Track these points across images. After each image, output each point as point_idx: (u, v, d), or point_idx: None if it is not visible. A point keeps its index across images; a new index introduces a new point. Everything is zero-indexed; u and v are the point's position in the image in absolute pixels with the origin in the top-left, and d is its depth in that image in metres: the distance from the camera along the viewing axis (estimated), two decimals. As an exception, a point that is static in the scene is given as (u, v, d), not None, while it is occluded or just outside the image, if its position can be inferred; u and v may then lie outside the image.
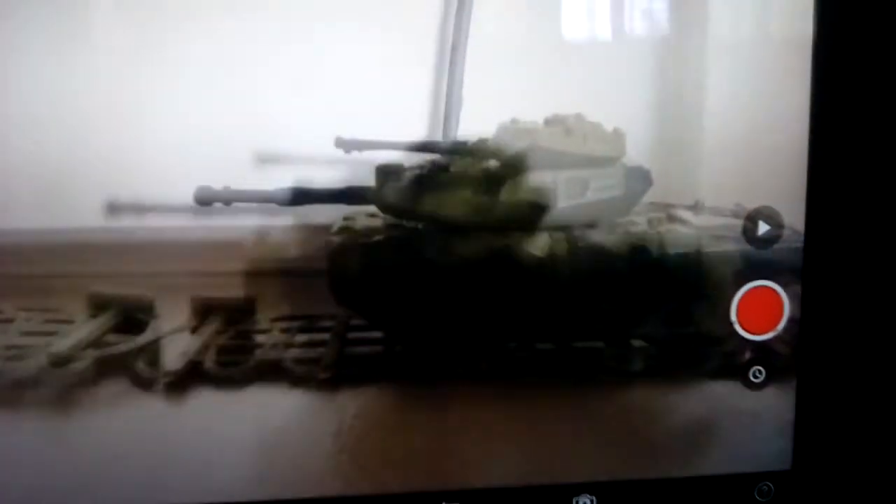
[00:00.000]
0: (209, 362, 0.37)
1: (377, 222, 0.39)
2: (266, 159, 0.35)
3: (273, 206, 0.36)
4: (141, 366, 0.36)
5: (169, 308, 0.36)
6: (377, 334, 0.39)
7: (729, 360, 0.37)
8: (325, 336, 0.39)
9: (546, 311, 0.39)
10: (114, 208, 0.34)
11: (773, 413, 0.36)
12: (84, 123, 0.34)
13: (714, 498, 0.36)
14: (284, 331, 0.38)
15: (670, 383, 0.39)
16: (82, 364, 0.35)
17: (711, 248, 0.38)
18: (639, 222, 0.40)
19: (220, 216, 0.35)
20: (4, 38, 0.32)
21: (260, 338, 0.38)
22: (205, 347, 0.37)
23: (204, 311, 0.37)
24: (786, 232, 0.35)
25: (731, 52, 0.35)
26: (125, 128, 0.34)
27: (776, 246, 0.35)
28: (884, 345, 0.32)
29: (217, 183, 0.35)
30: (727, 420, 0.37)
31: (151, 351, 0.36)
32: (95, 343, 0.36)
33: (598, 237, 0.39)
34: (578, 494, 0.35)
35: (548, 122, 0.38)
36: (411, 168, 0.37)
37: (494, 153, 0.37)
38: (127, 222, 0.35)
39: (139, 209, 0.34)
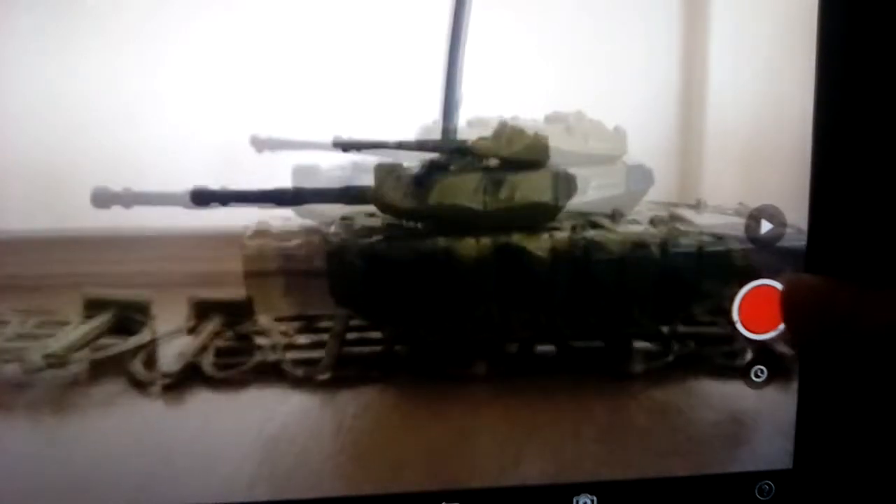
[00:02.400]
0: (207, 364, 0.37)
1: (376, 222, 0.39)
2: (264, 158, 0.35)
3: (271, 205, 0.36)
4: (138, 367, 0.36)
5: (166, 309, 0.36)
6: (376, 335, 0.39)
7: (730, 360, 0.37)
8: (325, 337, 0.38)
9: (547, 310, 0.39)
10: (104, 199, 0.34)
11: (775, 412, 0.36)
12: (78, 123, 0.33)
13: (715, 497, 0.36)
14: (283, 332, 0.38)
15: (671, 382, 0.39)
16: (78, 366, 0.35)
17: (713, 246, 0.38)
18: (640, 221, 0.40)
19: (217, 216, 0.35)
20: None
21: (258, 339, 0.37)
22: (202, 349, 0.37)
23: (201, 311, 0.37)
24: (789, 230, 0.35)
25: (735, 51, 0.35)
26: (120, 129, 0.33)
27: (779, 244, 0.35)
28: (887, 344, 0.32)
29: (214, 183, 0.34)
30: (728, 419, 0.37)
31: (148, 352, 0.36)
32: (91, 344, 0.36)
33: (599, 236, 0.39)
34: (579, 494, 0.35)
35: (548, 119, 0.38)
36: (410, 167, 0.37)
37: (494, 152, 0.37)
38: (123, 223, 0.34)
39: (133, 197, 0.34)
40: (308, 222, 0.38)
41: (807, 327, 0.26)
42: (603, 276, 0.38)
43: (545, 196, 0.37)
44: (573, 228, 0.39)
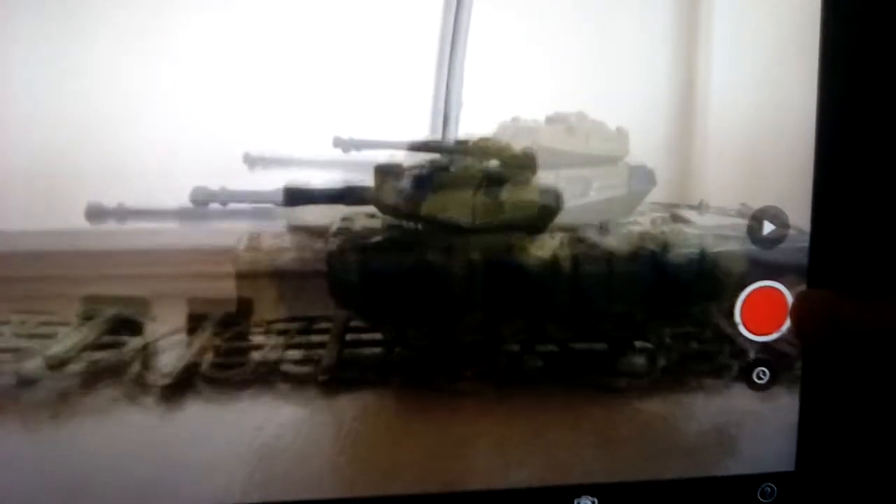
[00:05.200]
0: (206, 365, 0.37)
1: (376, 223, 0.39)
2: (262, 159, 0.35)
3: (270, 206, 0.35)
4: (137, 369, 0.36)
5: (165, 311, 0.36)
6: (376, 336, 0.39)
7: (732, 362, 0.37)
8: (324, 338, 0.38)
9: (548, 312, 0.39)
10: (99, 212, 0.34)
11: (777, 414, 0.36)
12: (78, 124, 0.33)
13: (716, 499, 0.36)
14: (282, 333, 0.38)
15: (673, 384, 0.39)
16: (77, 368, 0.35)
17: (715, 248, 0.37)
18: (642, 222, 0.40)
19: (216, 217, 0.35)
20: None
21: (257, 340, 0.37)
22: (201, 350, 0.37)
23: (200, 315, 0.37)
24: (791, 232, 0.35)
25: (737, 52, 0.35)
26: (119, 129, 0.33)
27: (781, 246, 0.35)
28: (888, 349, 0.32)
29: (212, 184, 0.34)
30: (730, 421, 0.37)
31: (147, 354, 0.36)
32: (91, 346, 0.36)
33: (601, 238, 0.39)
34: (580, 496, 0.35)
35: (549, 120, 0.37)
36: (411, 168, 0.37)
37: (495, 153, 0.37)
38: (122, 224, 0.34)
39: (133, 212, 0.34)
40: (301, 233, 0.38)
41: (815, 335, 0.28)
42: (602, 282, 0.38)
43: (533, 210, 0.37)
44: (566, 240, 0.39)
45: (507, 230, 0.37)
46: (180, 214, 0.34)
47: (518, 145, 0.36)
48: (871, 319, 0.26)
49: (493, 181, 0.37)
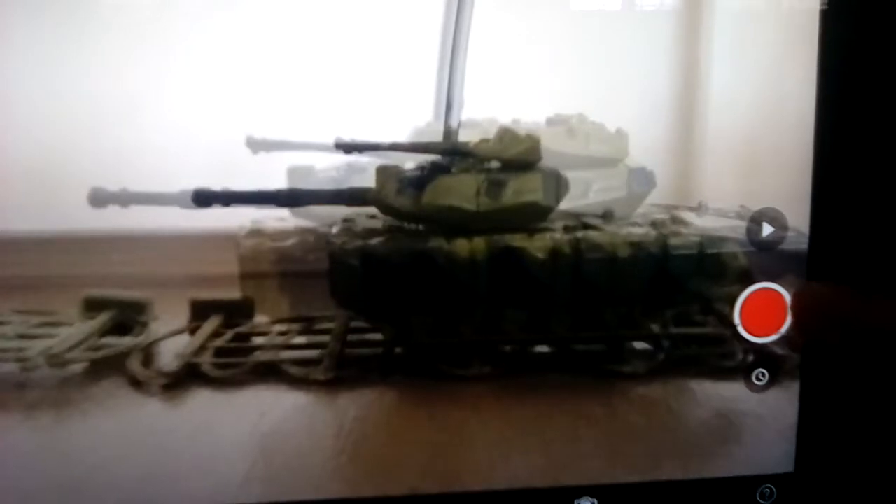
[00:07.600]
0: (207, 364, 0.37)
1: (377, 224, 0.39)
2: (260, 159, 0.35)
3: (272, 206, 0.36)
4: (138, 367, 0.36)
5: (165, 309, 0.36)
6: (377, 336, 0.39)
7: (732, 363, 0.37)
8: (325, 338, 0.38)
9: (547, 312, 0.39)
10: (102, 197, 0.33)
11: (776, 415, 0.36)
12: (80, 124, 0.33)
13: (716, 500, 0.35)
14: (283, 332, 0.38)
15: (673, 385, 0.39)
16: (78, 366, 0.35)
17: (715, 249, 0.37)
18: (642, 224, 0.40)
19: (214, 216, 0.35)
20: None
21: (259, 339, 0.37)
22: (202, 349, 0.37)
23: (202, 312, 0.37)
24: (790, 234, 0.35)
25: (736, 55, 0.35)
26: (123, 130, 0.33)
27: (780, 248, 0.35)
28: (888, 347, 0.32)
29: (210, 183, 0.34)
30: (730, 422, 0.37)
31: (148, 352, 0.36)
32: (92, 344, 0.36)
33: (601, 238, 0.39)
34: (580, 497, 0.35)
35: (550, 122, 0.38)
36: (412, 169, 0.37)
37: (496, 154, 0.37)
38: (122, 223, 0.34)
39: (130, 197, 0.34)
40: (303, 222, 0.38)
41: (814, 329, 0.28)
42: (601, 275, 0.38)
43: (537, 196, 0.37)
44: (565, 229, 0.39)
45: (504, 229, 0.37)
46: (181, 200, 0.34)
47: (518, 147, 0.36)
48: (872, 315, 0.26)
49: (491, 182, 0.37)
